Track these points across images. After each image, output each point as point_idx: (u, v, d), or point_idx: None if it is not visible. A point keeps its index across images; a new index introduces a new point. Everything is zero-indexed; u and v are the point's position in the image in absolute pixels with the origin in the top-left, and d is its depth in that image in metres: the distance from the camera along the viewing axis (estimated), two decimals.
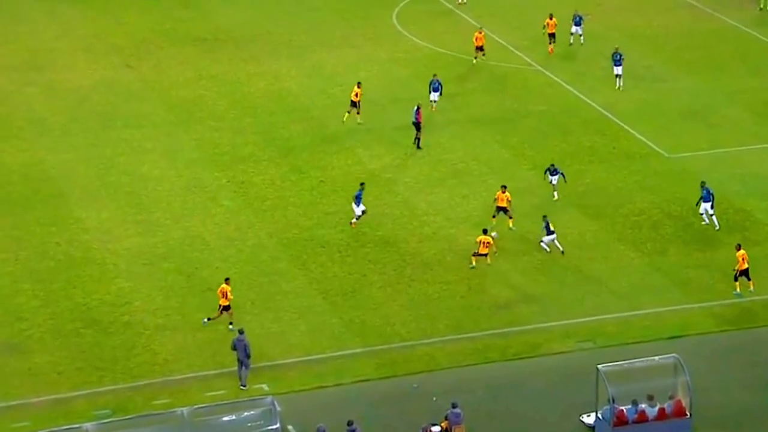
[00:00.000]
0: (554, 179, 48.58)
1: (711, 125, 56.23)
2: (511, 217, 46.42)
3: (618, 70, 59.54)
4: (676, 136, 54.93)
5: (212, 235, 46.37)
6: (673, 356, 36.00)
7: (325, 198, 49.24)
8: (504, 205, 46.31)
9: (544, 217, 45.15)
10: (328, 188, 50.01)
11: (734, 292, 42.35)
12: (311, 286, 43.06)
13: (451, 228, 46.72)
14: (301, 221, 47.39)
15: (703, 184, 46.35)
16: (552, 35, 63.08)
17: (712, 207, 45.94)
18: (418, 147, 53.22)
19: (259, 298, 42.31)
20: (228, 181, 50.55)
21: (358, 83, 56.09)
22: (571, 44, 64.34)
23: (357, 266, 44.22)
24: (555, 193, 48.55)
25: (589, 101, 58.39)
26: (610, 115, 56.80)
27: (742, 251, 42.14)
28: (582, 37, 64.23)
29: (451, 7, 70.50)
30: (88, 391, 37.42)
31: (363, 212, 46.22)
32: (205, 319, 40.41)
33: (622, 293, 42.86)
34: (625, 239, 46.21)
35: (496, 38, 65.06)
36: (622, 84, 59.51)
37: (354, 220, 46.11)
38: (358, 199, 46.20)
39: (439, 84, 55.27)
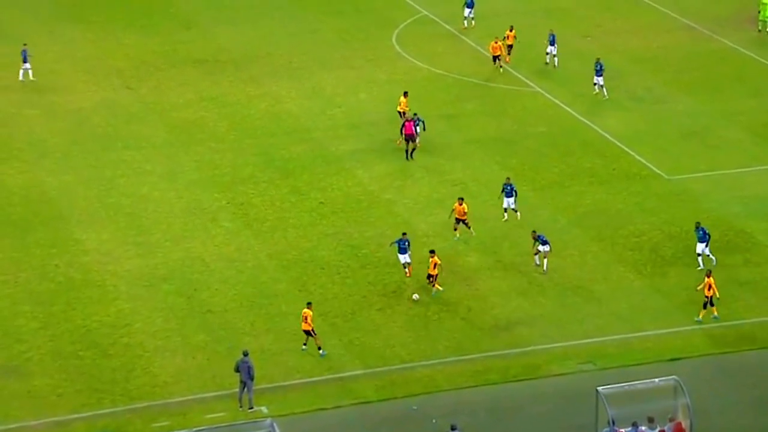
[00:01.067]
0: (510, 201, 48.08)
1: (710, 147, 56.26)
2: (469, 227, 46.88)
3: (599, 80, 60.20)
4: (676, 158, 54.93)
5: (212, 256, 46.30)
6: (673, 378, 35.88)
7: (325, 219, 49.22)
8: (462, 217, 46.71)
9: (534, 232, 45.19)
10: (327, 210, 49.99)
11: (696, 318, 42.25)
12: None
13: (451, 249, 46.67)
14: (300, 243, 47.35)
15: (698, 225, 45.67)
16: (509, 47, 64.19)
17: (707, 246, 45.08)
18: (409, 158, 53.70)
19: (259, 320, 42.24)
20: (228, 203, 50.53)
21: (405, 93, 56.43)
22: (546, 63, 64.36)
23: (357, 288, 44.17)
24: (506, 215, 48.25)
25: (588, 123, 58.43)
26: (609, 137, 56.82)
27: (710, 279, 41.64)
28: (556, 58, 64.28)
29: (450, 29, 70.65)
30: (88, 413, 37.30)
31: (407, 263, 44.30)
32: (303, 346, 40.11)
33: (623, 315, 42.78)
34: (625, 261, 46.16)
35: None
36: (606, 94, 60.06)
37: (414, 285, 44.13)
38: (402, 250, 44.15)
39: (420, 120, 54.68)
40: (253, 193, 51.35)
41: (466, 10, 70.43)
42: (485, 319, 42.52)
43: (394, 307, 43.00)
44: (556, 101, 60.87)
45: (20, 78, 61.77)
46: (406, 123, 53.88)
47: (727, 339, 41.41)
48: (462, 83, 63.06)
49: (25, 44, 62.42)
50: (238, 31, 70.06)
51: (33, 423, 36.88)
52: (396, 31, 70.39)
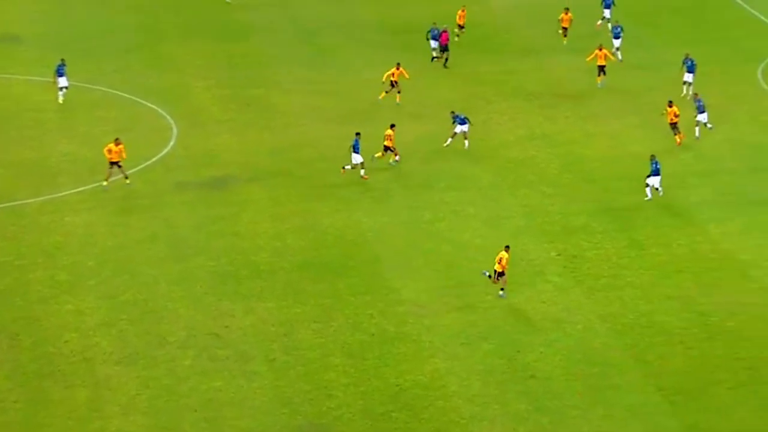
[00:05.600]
0: None
1: None
2: None
3: None
4: None
5: (537, 314, 46.44)
6: None
7: (668, 279, 48.58)
8: None
9: None
10: (671, 268, 49.30)
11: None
12: (647, 381, 42.45)
13: None
14: (639, 305, 46.90)
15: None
16: None
17: None
18: (445, 66, 68.30)
19: (587, 391, 42.05)
20: (558, 255, 50.64)
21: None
22: None
23: (702, 361, 43.29)
24: None
25: None
26: None
27: (505, 253, 46.94)
28: None
29: None
30: None
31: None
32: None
33: None
34: None
35: None
36: None
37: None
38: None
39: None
40: (586, 246, 51.27)
41: None
42: None
43: (746, 386, 41.83)
44: None
45: None
46: (443, 33, 67.76)
47: None
48: None
49: None
50: (579, 62, 70.08)
51: None
52: (761, 66, 68.74)
